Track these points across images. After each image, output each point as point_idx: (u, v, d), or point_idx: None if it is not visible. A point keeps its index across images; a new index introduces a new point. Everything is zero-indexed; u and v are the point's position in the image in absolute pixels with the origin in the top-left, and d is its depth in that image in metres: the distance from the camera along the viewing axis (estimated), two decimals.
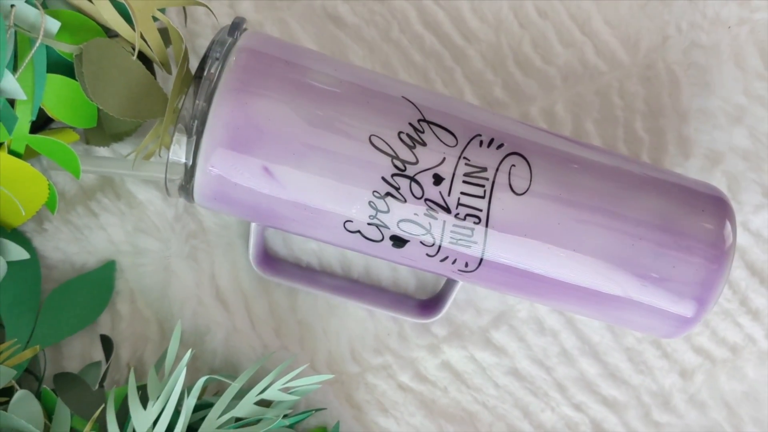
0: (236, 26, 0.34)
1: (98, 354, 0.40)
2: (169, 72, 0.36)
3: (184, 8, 0.37)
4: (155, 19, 0.34)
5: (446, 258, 0.35)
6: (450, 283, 0.40)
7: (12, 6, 0.30)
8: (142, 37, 0.34)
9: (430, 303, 0.41)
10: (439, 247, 0.34)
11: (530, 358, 0.41)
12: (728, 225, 0.35)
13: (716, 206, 0.35)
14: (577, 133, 0.42)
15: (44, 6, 0.31)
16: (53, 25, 0.31)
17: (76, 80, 0.32)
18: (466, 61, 0.41)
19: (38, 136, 0.33)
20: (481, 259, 0.34)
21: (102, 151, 0.39)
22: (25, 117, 0.32)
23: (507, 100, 0.41)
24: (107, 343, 0.39)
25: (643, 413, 0.41)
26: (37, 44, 0.30)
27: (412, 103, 0.34)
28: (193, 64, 0.40)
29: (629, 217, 0.34)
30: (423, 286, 0.41)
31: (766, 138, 0.42)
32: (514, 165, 0.34)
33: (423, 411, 0.41)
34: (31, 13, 0.30)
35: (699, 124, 0.42)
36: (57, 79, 0.32)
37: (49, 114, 0.33)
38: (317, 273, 0.41)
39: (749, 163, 0.42)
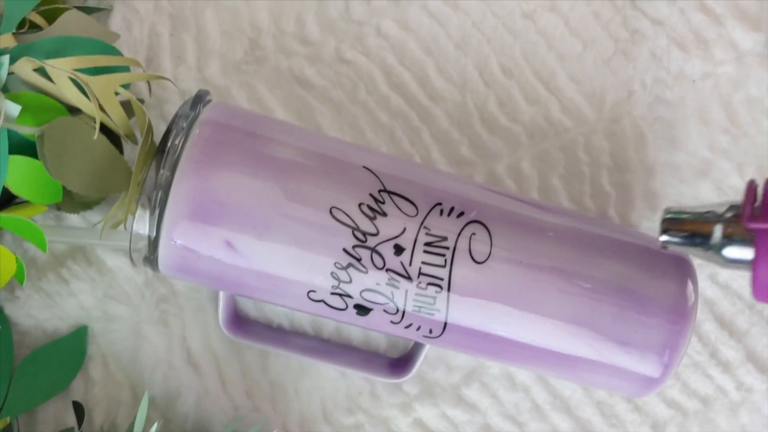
0: (199, 99, 0.35)
1: (72, 419, 0.40)
2: (135, 143, 0.37)
3: (148, 81, 0.38)
4: (117, 93, 0.35)
5: (410, 325, 0.35)
6: (420, 343, 0.40)
7: None
8: (105, 112, 0.34)
9: (401, 362, 0.41)
10: (403, 314, 0.34)
11: (502, 414, 0.41)
12: (690, 285, 0.35)
13: (678, 267, 0.36)
14: (544, 189, 0.42)
15: (5, 90, 0.32)
16: (14, 109, 0.31)
17: (39, 160, 0.33)
18: (432, 120, 0.42)
19: (3, 214, 0.33)
20: (445, 325, 0.35)
21: (72, 218, 0.40)
22: None
23: (473, 159, 0.42)
24: (79, 410, 0.39)
25: None
26: None
27: (373, 173, 0.34)
28: (161, 130, 0.40)
29: (590, 281, 0.34)
30: (394, 344, 0.42)
31: (732, 191, 0.42)
32: (474, 233, 0.34)
33: None
34: None
35: (665, 178, 0.42)
36: (20, 160, 0.32)
37: (13, 192, 0.33)
38: (288, 334, 0.41)
39: None
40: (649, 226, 0.42)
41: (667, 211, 0.31)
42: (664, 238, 0.30)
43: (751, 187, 0.29)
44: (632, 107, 0.42)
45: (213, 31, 0.42)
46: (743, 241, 0.28)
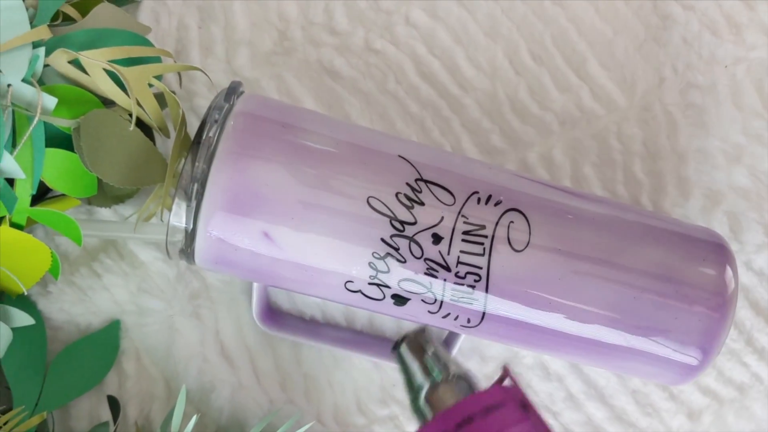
0: (233, 90, 0.35)
1: (106, 414, 0.40)
2: (167, 136, 0.36)
3: (179, 72, 0.38)
4: (151, 85, 0.35)
5: (448, 314, 0.35)
6: (454, 334, 0.40)
7: (9, 86, 0.30)
8: (139, 104, 0.34)
9: None
10: (441, 304, 0.34)
11: (537, 404, 0.41)
12: (729, 272, 0.35)
13: (717, 253, 0.35)
14: (576, 177, 0.42)
15: (40, 83, 0.32)
16: (50, 101, 0.31)
17: (75, 153, 0.32)
18: (462, 110, 0.42)
19: (38, 208, 0.33)
20: (483, 315, 0.34)
21: (104, 212, 0.40)
22: (25, 193, 0.32)
23: (505, 148, 0.42)
24: (114, 404, 0.39)
25: None
26: (35, 122, 0.30)
27: (409, 162, 0.34)
28: (192, 123, 0.40)
29: (630, 268, 0.34)
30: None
31: (765, 177, 0.42)
32: (512, 221, 0.34)
33: None
34: (28, 92, 0.31)
35: (698, 165, 0.42)
36: (56, 153, 0.32)
37: (49, 186, 0.33)
38: (321, 326, 0.41)
39: (750, 202, 0.42)
40: (682, 213, 0.42)
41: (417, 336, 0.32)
42: (400, 348, 0.31)
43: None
44: (664, 93, 0.42)
45: (241, 22, 0.42)
46: (422, 413, 0.30)
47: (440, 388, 0.30)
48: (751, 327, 0.41)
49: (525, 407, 0.29)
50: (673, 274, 0.34)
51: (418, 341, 0.31)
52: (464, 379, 0.30)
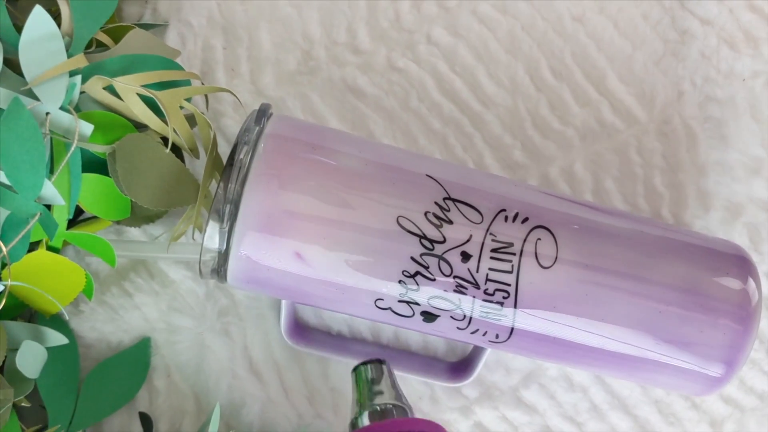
0: (263, 112, 0.35)
1: (137, 429, 0.41)
2: (197, 157, 0.37)
3: (206, 95, 0.38)
4: (181, 107, 0.35)
5: (477, 330, 0.35)
6: (480, 347, 0.40)
7: (47, 114, 0.31)
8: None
9: (460, 366, 0.41)
10: (470, 320, 0.35)
11: (561, 415, 0.42)
12: (752, 284, 0.35)
13: (739, 266, 0.36)
14: (597, 191, 0.42)
15: (77, 110, 0.32)
16: (87, 128, 0.32)
17: (110, 176, 0.33)
18: (484, 126, 0.42)
19: (74, 231, 0.34)
20: (512, 330, 0.35)
21: (133, 231, 0.40)
22: (62, 217, 0.32)
23: (527, 163, 0.42)
24: (146, 421, 0.40)
25: None
26: (72, 148, 0.31)
27: (437, 181, 0.35)
28: (220, 143, 0.41)
29: (655, 282, 0.35)
30: (452, 348, 0.42)
31: None
32: (539, 239, 0.34)
33: None
34: (65, 119, 0.31)
35: (718, 177, 0.42)
36: (91, 178, 0.33)
37: (85, 209, 0.34)
38: (348, 341, 0.42)
39: None
40: (703, 225, 0.42)
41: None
42: (357, 371, 0.37)
43: None
44: (683, 107, 0.43)
45: (266, 42, 0.42)
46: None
47: (377, 414, 0.35)
48: None
49: None
50: (697, 288, 0.35)
51: (376, 369, 0.36)
52: (404, 411, 0.35)
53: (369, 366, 0.36)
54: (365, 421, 0.35)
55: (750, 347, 0.35)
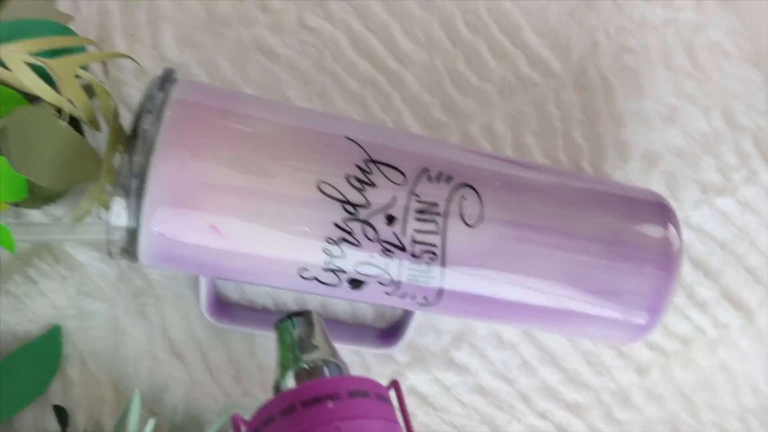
0: (167, 78, 0.33)
1: (52, 424, 0.38)
2: (98, 129, 0.34)
3: (103, 61, 0.36)
4: (77, 76, 0.33)
5: (405, 294, 0.34)
6: (409, 310, 0.39)
7: None
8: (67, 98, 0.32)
9: (390, 331, 0.41)
10: (398, 284, 0.34)
11: (493, 373, 0.42)
12: (673, 230, 0.36)
13: (660, 214, 0.36)
14: (518, 146, 0.42)
15: None
16: None
17: (2, 155, 0.30)
18: (402, 84, 0.41)
19: None
20: (441, 291, 0.34)
21: (34, 213, 0.37)
22: None
23: (447, 121, 0.41)
24: (61, 413, 0.38)
25: (604, 413, 0.42)
26: None
27: (357, 143, 0.33)
28: (123, 114, 0.38)
29: (579, 235, 0.34)
30: (381, 314, 0.41)
31: (699, 135, 0.43)
32: (464, 197, 0.33)
33: None
34: None
35: (635, 127, 0.43)
36: None
37: None
38: (273, 314, 0.40)
39: (685, 161, 0.43)
40: (622, 175, 0.42)
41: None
42: (281, 325, 0.32)
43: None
44: (598, 58, 0.43)
45: (166, 4, 0.39)
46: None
47: (305, 374, 0.29)
48: (692, 281, 0.43)
49: (383, 401, 0.28)
50: (620, 237, 0.35)
51: (303, 322, 0.31)
52: (336, 366, 0.30)
53: (293, 319, 0.31)
54: (290, 383, 0.29)
55: (673, 293, 0.35)
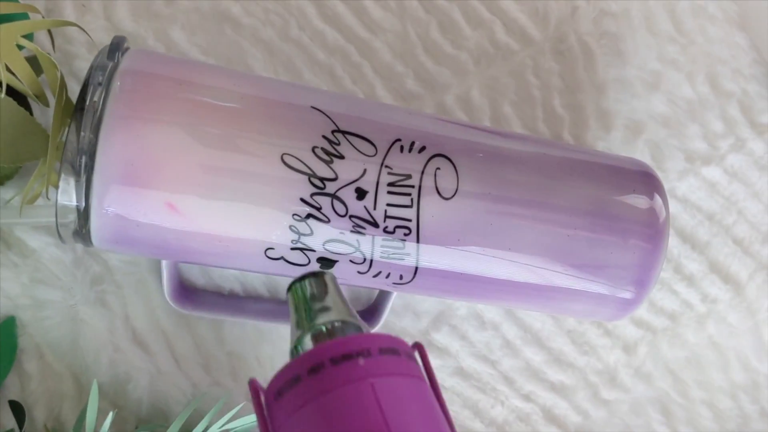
0: (116, 46, 0.31)
1: (10, 421, 0.36)
2: (46, 104, 0.32)
3: (49, 31, 0.33)
4: (21, 47, 0.30)
5: (379, 273, 0.32)
6: (385, 291, 0.38)
7: None
8: (8, 69, 0.30)
9: (365, 314, 0.39)
10: (371, 263, 0.32)
11: (474, 355, 0.40)
12: (659, 200, 0.34)
13: (645, 183, 0.34)
14: (496, 117, 0.40)
15: None
16: None
17: None
18: (373, 54, 0.39)
19: None
20: (416, 269, 0.32)
21: None
22: None
23: (421, 92, 0.39)
24: (18, 409, 0.35)
25: (591, 393, 0.41)
26: None
27: (323, 113, 0.31)
28: (74, 89, 0.36)
29: (561, 207, 0.33)
30: (357, 296, 0.39)
31: (683, 102, 0.41)
32: (438, 168, 0.31)
33: None
34: None
35: (617, 95, 0.41)
36: None
37: None
38: (242, 300, 0.38)
39: (670, 129, 0.41)
40: (605, 146, 0.41)
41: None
42: (293, 288, 0.29)
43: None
44: (577, 23, 0.41)
45: None
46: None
47: (324, 335, 0.27)
48: (679, 254, 0.41)
49: (412, 360, 0.26)
50: (605, 209, 0.33)
51: (317, 283, 0.29)
52: (356, 327, 0.28)
53: (307, 281, 0.29)
54: (308, 344, 0.27)
55: (660, 265, 0.34)
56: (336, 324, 0.27)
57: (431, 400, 0.26)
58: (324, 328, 0.27)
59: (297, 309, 0.28)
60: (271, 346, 0.38)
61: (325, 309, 0.28)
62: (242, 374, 0.38)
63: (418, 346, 0.28)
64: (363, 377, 0.24)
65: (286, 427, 0.24)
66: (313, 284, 0.29)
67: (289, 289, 0.29)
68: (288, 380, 0.25)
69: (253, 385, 0.26)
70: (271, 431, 0.25)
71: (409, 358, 0.26)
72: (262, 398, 0.26)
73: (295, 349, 0.28)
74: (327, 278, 0.29)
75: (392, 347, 0.26)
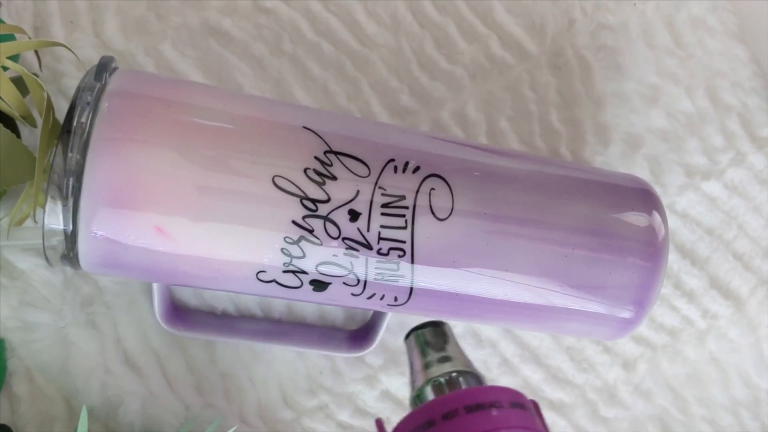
0: (104, 67, 0.30)
1: None
2: (34, 125, 0.32)
3: (36, 51, 0.33)
4: (5, 68, 0.30)
5: (373, 295, 0.32)
6: (380, 312, 0.37)
7: None
8: None
9: (361, 333, 0.38)
10: (365, 284, 0.31)
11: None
12: (658, 218, 0.34)
13: (644, 200, 0.34)
14: (492, 133, 0.39)
15: None
16: None
17: None
18: (368, 70, 0.38)
19: None
20: (411, 290, 0.32)
21: None
22: None
23: (416, 108, 0.39)
24: None
25: (590, 411, 0.40)
26: None
27: (315, 133, 0.31)
28: (62, 108, 0.35)
29: (558, 226, 0.32)
30: (352, 315, 0.39)
31: (682, 116, 0.41)
32: (433, 188, 0.31)
33: None
34: None
35: (615, 109, 0.40)
36: None
37: None
38: (235, 319, 0.37)
39: (669, 144, 0.40)
40: (603, 160, 0.40)
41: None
42: (411, 337, 0.30)
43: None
44: (575, 37, 0.40)
45: None
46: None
47: (445, 382, 0.28)
48: (679, 270, 0.41)
49: (536, 416, 0.27)
50: (603, 228, 0.33)
51: (436, 332, 0.30)
52: (475, 377, 0.29)
53: (427, 330, 0.30)
54: (430, 392, 0.28)
55: (660, 284, 0.33)
56: (458, 373, 0.28)
57: None
58: (447, 377, 0.28)
59: (420, 354, 0.29)
60: (264, 367, 0.38)
61: (446, 359, 0.29)
62: (236, 395, 0.37)
63: (534, 404, 0.29)
64: (496, 428, 0.25)
65: None
66: (433, 333, 0.30)
67: (408, 336, 0.30)
68: (421, 424, 0.26)
69: (380, 425, 0.28)
70: None
71: (532, 414, 0.27)
72: None
73: (417, 396, 0.29)
74: (446, 328, 0.30)
75: (520, 402, 0.27)
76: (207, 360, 0.37)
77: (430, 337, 0.30)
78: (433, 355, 0.29)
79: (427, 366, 0.29)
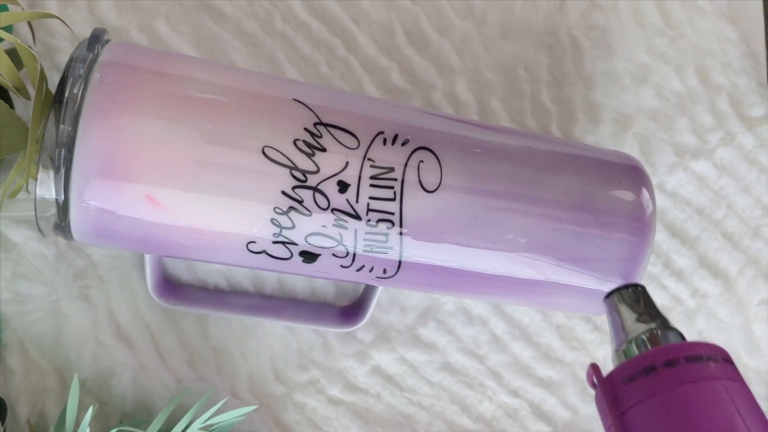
0: (96, 39, 0.30)
1: None
2: (27, 97, 0.32)
3: (30, 23, 0.33)
4: (0, 39, 0.30)
5: (362, 267, 0.32)
6: (371, 286, 0.37)
7: None
8: None
9: (352, 309, 0.38)
10: (354, 256, 0.32)
11: (461, 350, 0.40)
12: (646, 194, 0.34)
13: (632, 176, 0.34)
14: (483, 112, 0.40)
15: None
16: None
17: None
18: (358, 48, 0.39)
19: None
20: (400, 263, 0.32)
21: None
22: None
23: (407, 87, 0.39)
24: (0, 404, 0.35)
25: (580, 389, 0.41)
26: None
27: (305, 105, 0.31)
28: (55, 81, 0.36)
29: (547, 200, 0.32)
30: (343, 291, 0.39)
31: (672, 96, 0.41)
32: (422, 161, 0.31)
33: (358, 422, 0.39)
34: None
35: (605, 88, 0.40)
36: None
37: None
38: (227, 294, 0.38)
39: (659, 123, 0.41)
40: (593, 139, 0.40)
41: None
42: (614, 296, 0.31)
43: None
44: (566, 16, 0.40)
45: None
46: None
47: (655, 336, 0.29)
48: (668, 249, 0.41)
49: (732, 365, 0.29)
50: (591, 202, 0.33)
51: (637, 293, 0.31)
52: (678, 334, 0.30)
53: (631, 289, 0.31)
54: (638, 346, 0.30)
55: (647, 259, 0.33)
56: (665, 329, 0.30)
57: (759, 408, 0.28)
58: (651, 333, 0.29)
59: (629, 310, 0.30)
60: (256, 342, 0.38)
61: (650, 317, 0.30)
62: (228, 369, 0.38)
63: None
64: (716, 378, 0.27)
65: (638, 408, 0.27)
66: (633, 293, 0.31)
67: (609, 294, 0.31)
68: (643, 368, 0.28)
69: (595, 370, 0.29)
70: (615, 409, 0.28)
71: (737, 370, 0.29)
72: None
73: (628, 348, 0.30)
74: (644, 289, 0.31)
75: (729, 358, 0.29)
76: (199, 334, 0.37)
77: (632, 297, 0.31)
78: (637, 313, 0.30)
79: (639, 319, 0.30)
